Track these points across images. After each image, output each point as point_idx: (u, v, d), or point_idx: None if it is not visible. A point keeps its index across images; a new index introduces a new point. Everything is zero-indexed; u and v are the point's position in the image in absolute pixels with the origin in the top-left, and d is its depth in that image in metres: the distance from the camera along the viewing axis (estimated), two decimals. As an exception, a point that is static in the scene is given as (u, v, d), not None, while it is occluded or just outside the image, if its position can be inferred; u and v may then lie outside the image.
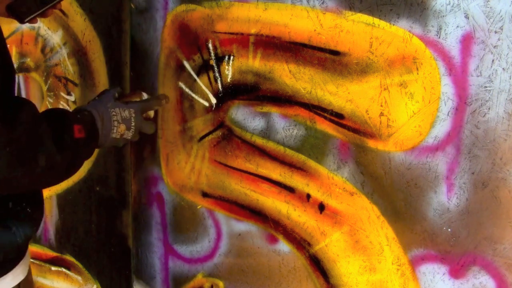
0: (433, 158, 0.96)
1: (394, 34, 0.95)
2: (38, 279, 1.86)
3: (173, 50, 1.29)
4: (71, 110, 1.10)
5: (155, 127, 1.29)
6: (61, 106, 1.62)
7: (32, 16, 1.04)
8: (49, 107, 1.66)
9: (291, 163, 1.14)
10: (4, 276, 1.02)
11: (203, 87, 1.25)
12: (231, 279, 1.32)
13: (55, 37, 1.57)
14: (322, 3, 1.02)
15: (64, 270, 1.75)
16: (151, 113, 1.26)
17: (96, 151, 1.34)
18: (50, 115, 1.00)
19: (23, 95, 1.75)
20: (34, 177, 0.91)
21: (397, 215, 1.02)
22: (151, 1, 1.31)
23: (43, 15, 1.06)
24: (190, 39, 1.24)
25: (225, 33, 1.18)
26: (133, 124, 1.18)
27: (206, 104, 1.23)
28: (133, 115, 1.18)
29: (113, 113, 1.14)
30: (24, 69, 1.69)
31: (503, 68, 0.86)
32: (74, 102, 1.57)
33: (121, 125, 1.15)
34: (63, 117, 1.02)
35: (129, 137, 1.19)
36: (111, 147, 1.42)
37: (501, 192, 0.90)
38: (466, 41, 0.88)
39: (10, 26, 1.66)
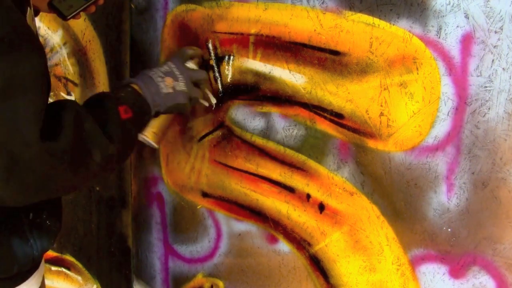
0: (433, 158, 0.96)
1: (394, 34, 0.95)
2: (38, 279, 1.86)
3: (173, 50, 1.29)
4: (112, 89, 1.04)
5: (206, 74, 1.19)
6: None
7: (75, 12, 1.02)
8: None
9: (291, 163, 1.14)
10: (18, 287, 1.01)
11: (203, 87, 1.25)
12: (231, 279, 1.32)
13: (55, 37, 1.57)
14: (322, 3, 1.02)
15: (64, 270, 1.75)
16: (193, 65, 1.17)
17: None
18: (92, 105, 0.96)
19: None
20: (93, 174, 0.89)
21: (397, 215, 1.02)
22: (151, 1, 1.31)
23: (85, 10, 1.05)
24: (190, 39, 1.24)
25: (225, 33, 1.18)
26: (177, 73, 1.10)
27: (206, 104, 1.23)
28: (173, 65, 1.12)
29: (152, 72, 1.08)
30: (24, 69, 1.68)
31: (503, 68, 0.86)
32: (74, 102, 1.57)
33: (166, 78, 1.08)
34: (106, 102, 0.96)
35: (184, 88, 1.10)
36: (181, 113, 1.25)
37: (501, 192, 0.90)
38: (466, 41, 0.88)
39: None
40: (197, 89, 1.14)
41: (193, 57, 1.17)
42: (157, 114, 1.09)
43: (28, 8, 0.85)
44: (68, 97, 1.58)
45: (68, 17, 1.02)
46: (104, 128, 0.90)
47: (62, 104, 0.87)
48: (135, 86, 1.04)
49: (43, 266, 1.11)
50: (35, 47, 0.79)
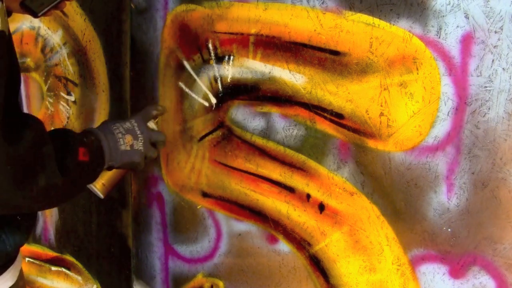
0: (433, 158, 0.96)
1: (394, 34, 0.95)
2: (38, 279, 1.86)
3: (173, 50, 1.29)
4: (77, 132, 1.07)
5: (164, 136, 1.22)
6: (61, 106, 1.62)
7: (46, 10, 1.03)
8: (49, 107, 1.67)
9: (291, 163, 1.14)
10: None
11: (203, 87, 1.25)
12: (231, 279, 1.32)
13: (55, 37, 1.57)
14: (322, 3, 1.02)
15: (64, 270, 1.75)
16: (153, 126, 1.20)
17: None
18: (56, 135, 0.98)
19: (23, 95, 1.75)
20: (32, 197, 0.89)
21: (397, 215, 1.02)
22: (151, 1, 1.31)
23: (56, 8, 1.06)
24: (190, 39, 1.24)
25: (225, 33, 1.18)
26: (138, 132, 1.14)
27: (206, 104, 1.23)
28: (135, 123, 1.15)
29: (114, 127, 1.11)
30: (24, 69, 1.68)
31: (503, 68, 0.86)
32: (74, 102, 1.57)
33: (126, 135, 1.11)
34: (69, 138, 0.99)
35: (142, 148, 1.14)
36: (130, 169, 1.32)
37: (501, 192, 0.90)
38: (466, 41, 0.88)
39: (10, 25, 1.66)
40: (154, 149, 1.19)
41: (155, 117, 1.21)
42: (110, 168, 1.13)
43: (0, 3, 0.85)
44: (68, 97, 1.58)
45: (39, 14, 1.03)
46: (60, 159, 0.92)
47: (33, 120, 0.90)
48: (97, 137, 1.07)
49: (20, 261, 1.11)
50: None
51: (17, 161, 0.82)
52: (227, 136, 1.24)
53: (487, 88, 0.88)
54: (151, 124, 1.19)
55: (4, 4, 0.88)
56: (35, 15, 1.03)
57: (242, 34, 1.15)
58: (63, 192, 0.96)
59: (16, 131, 0.84)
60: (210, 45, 1.21)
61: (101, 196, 1.24)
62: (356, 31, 0.99)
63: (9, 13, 1.06)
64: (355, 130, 1.03)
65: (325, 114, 1.07)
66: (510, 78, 0.86)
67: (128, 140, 1.12)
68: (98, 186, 1.22)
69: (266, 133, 1.17)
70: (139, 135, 1.14)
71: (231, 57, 1.18)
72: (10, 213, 0.99)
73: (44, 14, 1.05)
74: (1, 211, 0.92)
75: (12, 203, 0.88)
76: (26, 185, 0.86)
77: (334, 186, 1.09)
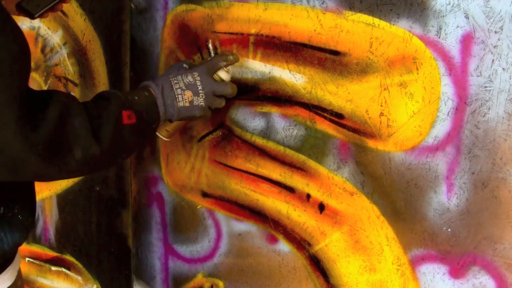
0: (433, 158, 0.96)
1: (394, 34, 0.95)
2: (38, 279, 1.86)
3: (173, 50, 1.29)
4: (125, 92, 1.02)
5: (235, 88, 1.13)
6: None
7: (42, 11, 1.03)
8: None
9: (291, 163, 1.14)
10: None
11: (203, 87, 1.25)
12: (231, 279, 1.32)
13: (55, 37, 1.57)
14: (322, 3, 1.02)
15: (64, 270, 1.75)
16: (223, 75, 1.12)
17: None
18: (96, 101, 0.96)
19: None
20: (70, 170, 0.88)
21: (397, 215, 1.02)
22: (151, 1, 1.31)
23: (52, 9, 1.06)
24: (190, 39, 1.24)
25: (225, 33, 1.18)
26: (200, 88, 1.06)
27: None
28: (198, 78, 1.07)
29: (175, 81, 1.05)
30: (24, 69, 1.68)
31: (503, 68, 0.86)
32: (74, 102, 1.57)
33: (186, 91, 1.05)
34: (111, 103, 0.95)
35: (202, 103, 1.07)
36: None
37: (501, 192, 0.90)
38: (466, 41, 0.88)
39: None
40: (219, 99, 1.11)
41: (226, 67, 1.13)
42: (170, 121, 1.09)
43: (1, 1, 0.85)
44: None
45: (36, 16, 1.04)
46: (97, 127, 0.90)
47: (52, 94, 0.87)
48: (153, 92, 1.03)
49: (18, 261, 1.10)
50: (11, 31, 0.79)
51: (42, 143, 0.81)
52: (227, 136, 1.24)
53: (487, 88, 0.88)
54: (220, 74, 1.12)
55: (3, 3, 0.88)
56: (31, 17, 1.03)
57: (242, 34, 1.15)
58: (105, 159, 0.93)
59: (39, 112, 0.82)
60: (210, 45, 1.20)
61: (167, 139, 1.21)
62: (356, 31, 0.99)
63: None
64: (355, 130, 1.03)
65: (325, 114, 1.07)
66: (510, 78, 0.86)
67: (188, 96, 1.06)
68: (163, 133, 1.18)
69: (266, 133, 1.17)
70: (200, 91, 1.07)
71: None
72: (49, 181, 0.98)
73: (41, 16, 1.05)
74: (41, 180, 0.93)
75: (51, 176, 0.87)
76: (59, 161, 0.85)
77: (334, 186, 1.09)
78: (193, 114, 1.08)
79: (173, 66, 1.14)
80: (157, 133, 1.18)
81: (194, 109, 1.07)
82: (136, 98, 1.00)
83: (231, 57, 1.13)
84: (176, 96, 1.04)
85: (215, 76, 1.11)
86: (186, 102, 1.05)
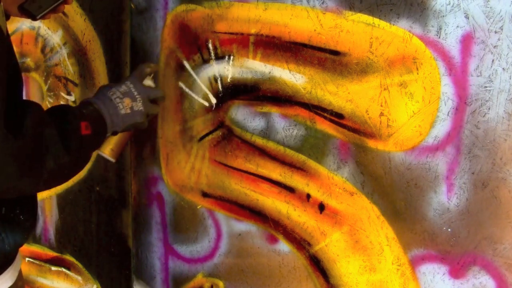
0: (433, 158, 0.96)
1: (394, 34, 0.95)
2: (38, 279, 1.86)
3: (173, 50, 1.29)
4: (75, 106, 1.07)
5: (162, 91, 1.25)
6: (61, 106, 1.62)
7: (44, 12, 1.04)
8: (49, 107, 1.66)
9: (291, 163, 1.14)
10: None
11: (203, 87, 1.25)
12: (231, 279, 1.32)
13: (55, 37, 1.57)
14: (322, 3, 1.02)
15: (64, 270, 1.75)
16: (150, 83, 1.21)
17: (94, 153, 1.33)
18: (55, 114, 0.98)
19: (24, 95, 1.75)
20: (43, 180, 0.90)
21: (397, 215, 1.02)
22: (151, 1, 1.31)
23: (54, 11, 1.06)
24: (190, 39, 1.24)
25: (225, 33, 1.18)
26: (135, 93, 1.15)
27: (206, 104, 1.23)
28: (131, 85, 1.15)
29: (111, 92, 1.12)
30: (24, 69, 1.68)
31: (503, 68, 0.86)
32: (74, 102, 1.57)
33: (124, 99, 1.12)
34: (69, 115, 1.00)
35: (142, 108, 1.15)
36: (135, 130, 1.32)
37: (501, 192, 0.90)
38: (466, 41, 0.88)
39: (9, 26, 1.66)
40: (155, 106, 1.20)
41: (150, 74, 1.21)
42: (115, 133, 1.14)
43: None
44: (68, 97, 1.58)
45: (38, 17, 1.04)
46: (64, 138, 0.93)
47: (30, 105, 0.90)
48: (96, 106, 1.08)
49: (19, 261, 1.10)
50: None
51: (23, 151, 0.83)
52: (227, 136, 1.24)
53: (487, 88, 0.88)
54: (147, 82, 1.20)
55: (1, 4, 0.88)
56: (33, 18, 1.04)
57: (242, 34, 1.15)
58: (71, 168, 0.97)
59: (18, 121, 0.85)
60: (210, 45, 1.21)
61: (112, 160, 1.26)
62: (356, 31, 0.99)
63: (7, 16, 1.06)
64: (355, 130, 1.03)
65: (325, 114, 1.07)
66: (510, 78, 0.86)
67: (127, 103, 1.12)
68: (107, 152, 1.24)
69: (266, 133, 1.17)
70: (137, 96, 1.15)
71: (231, 57, 1.18)
72: (21, 195, 0.98)
73: (43, 17, 1.05)
74: (12, 195, 0.93)
75: (23, 189, 0.89)
76: (35, 171, 0.87)
77: (334, 186, 1.09)
78: (135, 120, 1.14)
79: (100, 87, 1.19)
80: (102, 153, 1.25)
81: (135, 115, 1.14)
82: (85, 111, 1.05)
83: (152, 65, 1.23)
84: (117, 105, 1.11)
85: (143, 83, 1.19)
86: (127, 109, 1.12)
